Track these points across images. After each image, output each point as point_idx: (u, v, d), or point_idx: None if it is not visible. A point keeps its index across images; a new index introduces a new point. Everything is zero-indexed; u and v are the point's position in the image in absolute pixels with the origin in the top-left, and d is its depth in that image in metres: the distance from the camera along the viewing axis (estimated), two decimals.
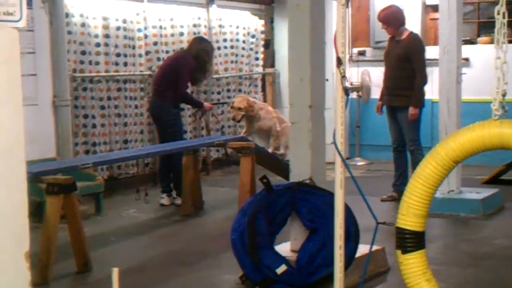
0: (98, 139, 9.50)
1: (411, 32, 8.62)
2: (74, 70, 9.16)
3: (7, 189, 3.24)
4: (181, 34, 10.67)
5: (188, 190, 8.23)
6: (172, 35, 10.52)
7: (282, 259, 5.41)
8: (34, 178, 5.68)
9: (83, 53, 9.28)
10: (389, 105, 8.62)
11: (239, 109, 9.55)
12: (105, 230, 7.57)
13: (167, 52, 10.40)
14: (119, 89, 9.79)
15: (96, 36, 9.41)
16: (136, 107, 10.03)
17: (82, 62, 9.28)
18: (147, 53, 10.16)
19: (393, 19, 8.55)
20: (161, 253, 6.69)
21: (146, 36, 10.11)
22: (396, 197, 8.31)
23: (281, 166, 8.94)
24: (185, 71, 8.74)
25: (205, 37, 10.30)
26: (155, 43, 10.26)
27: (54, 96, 8.84)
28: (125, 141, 9.89)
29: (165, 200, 8.70)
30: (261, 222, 5.44)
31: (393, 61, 8.48)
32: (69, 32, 9.01)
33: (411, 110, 8.29)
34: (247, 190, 7.87)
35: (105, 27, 9.54)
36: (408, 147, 8.53)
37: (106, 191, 8.64)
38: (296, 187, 5.55)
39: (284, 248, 5.68)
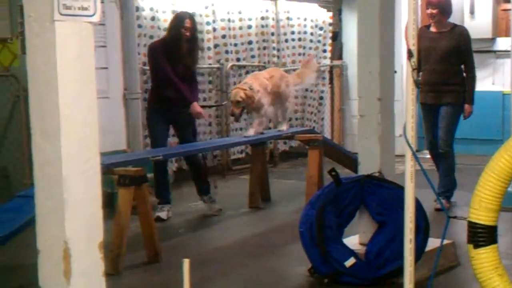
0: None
1: (456, 24, 7.97)
2: (144, 63, 9.25)
3: (82, 181, 3.30)
4: (249, 27, 10.69)
5: (255, 182, 8.25)
6: (240, 28, 10.54)
7: (350, 252, 5.40)
8: (106, 170, 5.76)
9: None
10: (432, 103, 7.77)
11: (237, 102, 7.76)
12: (174, 221, 7.63)
13: (235, 45, 10.44)
14: None
15: (165, 29, 9.48)
16: (204, 99, 10.07)
17: None
18: (215, 46, 10.21)
19: (449, 6, 7.81)
20: (229, 244, 6.72)
21: (214, 29, 10.16)
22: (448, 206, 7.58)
23: (349, 158, 8.89)
24: (152, 55, 7.63)
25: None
26: (224, 36, 10.29)
27: (124, 89, 8.97)
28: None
29: (164, 213, 7.60)
30: (329, 215, 5.43)
31: (440, 54, 7.65)
32: (139, 26, 9.12)
33: (468, 108, 7.70)
34: (314, 182, 7.84)
35: None
36: (441, 148, 7.74)
37: (175, 183, 8.72)
38: (365, 180, 5.53)
39: (353, 241, 5.67)
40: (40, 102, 3.23)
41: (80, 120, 3.28)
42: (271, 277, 5.65)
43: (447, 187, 7.78)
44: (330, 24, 12.12)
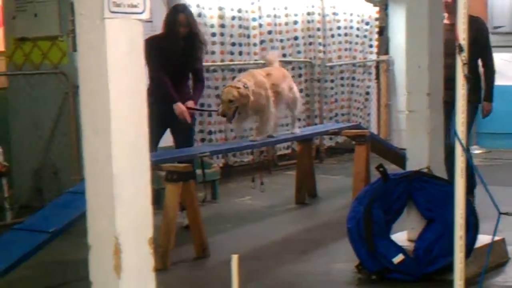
0: (214, 128, 9.63)
1: (472, 15, 6.87)
2: None
3: (133, 177, 3.32)
4: (295, 22, 10.66)
5: (302, 178, 8.23)
6: (286, 23, 10.53)
7: (399, 249, 5.37)
8: (154, 166, 5.80)
9: None
10: (449, 100, 7.02)
11: (230, 101, 6.81)
12: (221, 216, 7.66)
13: (281, 41, 10.43)
14: (234, 78, 9.84)
15: (212, 26, 9.53)
16: None
17: None
18: (261, 42, 10.21)
19: None
20: (276, 240, 6.72)
21: (260, 25, 10.16)
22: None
23: (396, 154, 8.82)
24: (145, 50, 7.44)
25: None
26: (270, 32, 10.29)
27: None
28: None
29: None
30: (377, 211, 5.41)
31: (454, 48, 7.28)
32: None
33: (486, 106, 7.33)
34: (361, 178, 7.80)
35: (221, 17, 9.64)
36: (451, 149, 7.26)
37: (221, 179, 8.75)
38: (413, 176, 5.49)
39: (401, 238, 5.62)
40: (91, 99, 3.25)
41: (130, 117, 3.29)
42: (318, 273, 5.63)
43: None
44: (376, 19, 12.04)
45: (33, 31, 8.07)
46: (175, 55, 6.93)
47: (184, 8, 7.11)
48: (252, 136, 7.57)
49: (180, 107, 6.92)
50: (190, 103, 7.07)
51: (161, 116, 6.71)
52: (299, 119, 9.06)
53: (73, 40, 7.37)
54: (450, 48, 6.68)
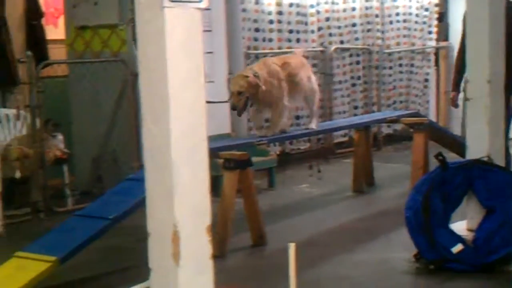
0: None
1: (510, 1, 6.38)
2: (248, 47, 9.32)
3: (191, 165, 3.34)
4: (353, 9, 10.60)
5: (359, 166, 8.18)
6: (344, 10, 10.47)
7: (458, 238, 5.31)
8: (212, 154, 5.82)
9: (257, 30, 9.42)
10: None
11: (239, 93, 6.18)
12: (278, 204, 7.66)
13: (339, 27, 10.38)
14: None
15: (270, 13, 9.52)
16: None
17: (255, 39, 9.43)
18: (319, 29, 10.18)
19: None
20: (333, 228, 6.70)
21: (318, 12, 10.12)
22: None
23: (456, 142, 8.71)
24: None
25: None
26: (327, 19, 10.25)
27: (229, 73, 9.01)
28: (297, 117, 9.95)
29: None
30: (436, 200, 5.35)
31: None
32: (244, 10, 9.17)
33: None
34: (420, 166, 7.72)
35: (278, 4, 9.63)
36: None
37: (278, 166, 8.75)
38: (473, 164, 5.42)
39: (460, 227, 5.56)
40: (150, 88, 3.28)
41: (189, 105, 3.32)
42: (375, 262, 5.60)
43: None
44: (436, 5, 11.88)
45: (93, 19, 8.16)
46: None
47: None
48: (261, 131, 6.79)
49: None
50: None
51: None
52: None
53: (133, 29, 7.43)
54: None
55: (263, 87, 6.25)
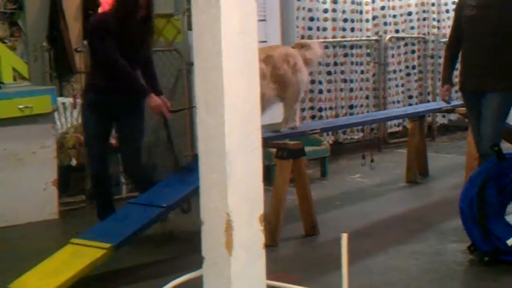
0: (324, 105, 9.62)
1: None
2: (302, 37, 9.27)
3: (245, 155, 3.35)
4: None
5: (413, 156, 8.11)
6: None
7: None
8: (265, 143, 5.83)
9: (311, 19, 9.38)
10: (475, 90, 5.96)
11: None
12: (331, 194, 7.64)
13: (394, 16, 10.28)
14: (345, 55, 9.82)
15: (324, 2, 9.48)
16: (362, 72, 10.02)
17: (310, 28, 9.39)
18: (374, 18, 10.09)
19: None
20: (386, 219, 6.66)
21: (373, 1, 10.03)
22: None
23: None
24: (96, 32, 5.85)
25: None
26: (383, 8, 10.15)
27: None
28: (351, 107, 9.93)
29: None
30: (491, 191, 5.28)
31: (490, 27, 5.79)
32: None
33: None
34: (475, 157, 7.54)
35: None
36: (483, 150, 5.90)
37: (331, 156, 8.73)
38: None
39: None
40: (205, 78, 3.30)
41: (243, 95, 3.32)
42: (428, 253, 5.56)
43: None
44: None
45: None
46: (131, 39, 5.83)
47: None
48: None
49: (155, 100, 5.82)
50: (164, 100, 6.05)
51: (101, 110, 5.89)
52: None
53: (189, 18, 7.45)
54: (477, 27, 5.83)
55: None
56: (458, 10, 6.06)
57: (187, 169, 5.55)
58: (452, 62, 6.31)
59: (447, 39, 6.54)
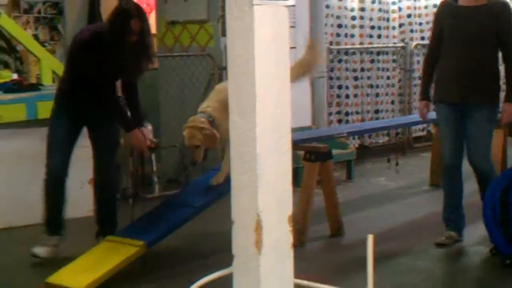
0: (350, 109, 9.62)
1: None
2: (331, 43, 9.30)
3: (275, 157, 3.35)
4: (435, 6, 10.39)
5: (437, 160, 8.03)
6: (426, 7, 10.32)
7: None
8: (293, 146, 5.82)
9: (340, 26, 9.40)
10: (457, 101, 5.47)
11: (196, 147, 5.21)
12: (356, 196, 7.61)
13: (420, 24, 10.26)
14: (372, 61, 9.81)
15: (352, 9, 9.48)
16: (388, 78, 10.02)
17: (338, 35, 9.40)
18: (400, 25, 10.10)
19: None
20: (410, 221, 6.62)
21: (400, 9, 10.05)
22: (456, 238, 5.70)
23: None
24: (81, 51, 5.25)
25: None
26: (409, 16, 10.15)
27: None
28: (376, 111, 9.91)
29: (43, 250, 5.43)
30: None
31: (471, 36, 5.38)
32: (327, 7, 9.17)
33: (508, 108, 5.45)
34: (497, 161, 7.51)
35: (361, 0, 9.59)
36: (476, 164, 5.56)
37: (357, 159, 8.71)
38: None
39: None
40: (238, 82, 3.29)
41: (275, 99, 3.32)
42: (452, 255, 5.53)
43: (457, 214, 5.76)
44: None
45: (183, 15, 8.24)
46: (117, 64, 5.28)
47: (138, 12, 5.28)
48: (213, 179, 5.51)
49: (137, 137, 5.44)
50: (148, 133, 5.71)
51: (71, 115, 5.42)
52: None
53: (223, 25, 7.47)
54: (458, 36, 5.42)
55: (218, 135, 5.17)
56: (439, 18, 5.63)
57: (217, 170, 5.54)
58: (431, 76, 5.73)
59: (426, 52, 5.96)
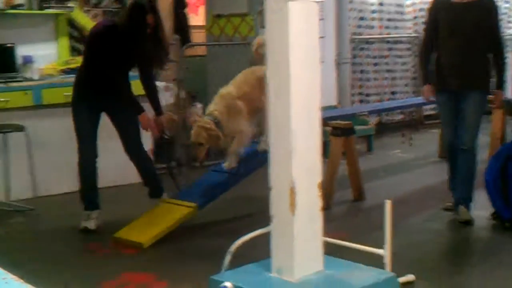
0: (370, 91, 9.55)
1: None
2: (353, 33, 9.19)
3: (306, 133, 3.33)
4: None
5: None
6: None
7: None
8: (322, 123, 5.77)
9: (361, 19, 9.31)
10: (456, 88, 5.22)
11: (199, 144, 5.03)
12: (375, 166, 7.55)
13: None
14: (389, 49, 9.72)
15: (372, 4, 9.39)
16: (403, 64, 9.92)
17: (359, 27, 9.31)
18: (414, 18, 9.94)
19: None
20: (421, 188, 6.56)
21: (413, 4, 9.89)
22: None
23: None
24: (100, 35, 5.06)
25: None
26: (421, 9, 9.98)
27: (336, 55, 8.93)
28: (393, 93, 9.82)
29: (92, 222, 5.28)
30: None
31: (468, 29, 5.12)
32: (351, 2, 9.08)
33: (500, 95, 5.46)
34: (497, 137, 7.43)
35: None
36: (464, 145, 5.24)
37: (376, 134, 8.64)
38: None
39: None
40: (275, 68, 3.27)
41: (306, 82, 3.29)
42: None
43: (466, 194, 5.37)
44: None
45: (227, 9, 8.21)
46: (133, 55, 5.13)
47: (151, 9, 5.06)
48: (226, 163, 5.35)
49: (145, 121, 5.18)
50: (165, 121, 5.49)
51: (91, 103, 5.14)
52: None
53: (261, 18, 7.41)
54: (456, 29, 5.13)
55: (222, 138, 5.03)
56: (433, 12, 5.29)
57: (257, 143, 5.51)
58: (427, 63, 5.42)
59: (421, 43, 5.56)
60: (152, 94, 5.37)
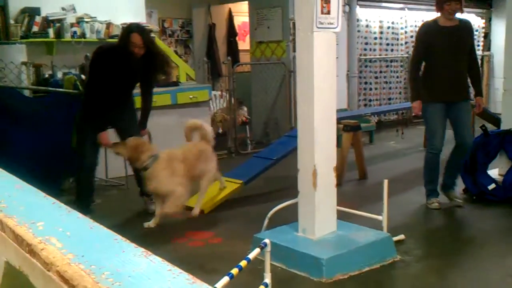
0: (372, 97, 9.41)
1: (459, 18, 4.63)
2: (360, 54, 9.07)
3: (325, 129, 3.31)
4: None
5: None
6: None
7: (492, 180, 5.00)
8: (337, 121, 5.70)
9: (366, 43, 9.17)
10: (451, 100, 4.61)
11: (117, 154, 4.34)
12: (375, 154, 7.44)
13: None
14: (387, 66, 9.55)
15: (374, 32, 9.22)
16: (397, 77, 9.74)
17: (365, 49, 9.18)
18: (405, 42, 9.76)
19: None
20: (410, 170, 6.41)
21: (406, 32, 9.69)
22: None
23: (493, 118, 8.11)
24: (97, 61, 4.16)
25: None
26: (411, 36, 9.80)
27: (347, 71, 8.83)
28: (389, 99, 9.66)
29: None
30: (479, 155, 5.06)
31: (459, 49, 4.58)
32: (358, 31, 8.93)
33: (481, 101, 4.76)
34: None
35: (381, 27, 9.31)
36: (468, 145, 4.71)
37: (376, 130, 8.52)
38: (505, 133, 5.06)
39: (494, 173, 5.22)
40: (303, 81, 3.26)
41: (326, 91, 3.28)
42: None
43: (456, 179, 4.90)
44: (482, 27, 11.06)
45: (266, 37, 8.17)
46: (123, 73, 4.21)
47: (138, 28, 4.16)
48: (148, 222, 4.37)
49: (104, 139, 4.21)
50: (143, 133, 4.48)
51: (99, 116, 4.22)
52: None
53: (293, 44, 7.38)
54: (450, 50, 4.58)
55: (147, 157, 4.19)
56: (425, 36, 4.61)
57: (289, 136, 5.50)
58: (418, 81, 4.72)
59: (412, 62, 4.83)
60: (144, 108, 4.44)
